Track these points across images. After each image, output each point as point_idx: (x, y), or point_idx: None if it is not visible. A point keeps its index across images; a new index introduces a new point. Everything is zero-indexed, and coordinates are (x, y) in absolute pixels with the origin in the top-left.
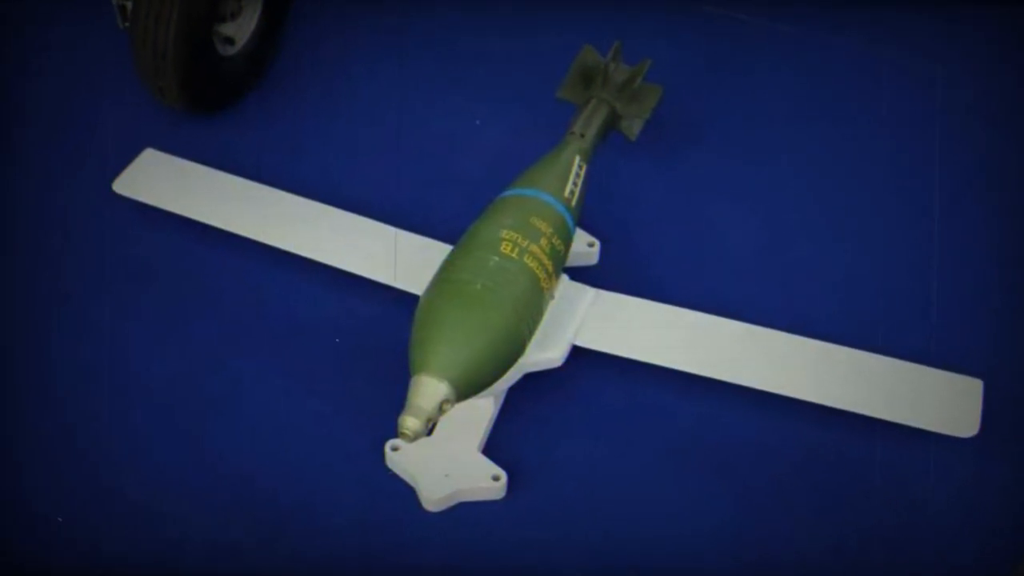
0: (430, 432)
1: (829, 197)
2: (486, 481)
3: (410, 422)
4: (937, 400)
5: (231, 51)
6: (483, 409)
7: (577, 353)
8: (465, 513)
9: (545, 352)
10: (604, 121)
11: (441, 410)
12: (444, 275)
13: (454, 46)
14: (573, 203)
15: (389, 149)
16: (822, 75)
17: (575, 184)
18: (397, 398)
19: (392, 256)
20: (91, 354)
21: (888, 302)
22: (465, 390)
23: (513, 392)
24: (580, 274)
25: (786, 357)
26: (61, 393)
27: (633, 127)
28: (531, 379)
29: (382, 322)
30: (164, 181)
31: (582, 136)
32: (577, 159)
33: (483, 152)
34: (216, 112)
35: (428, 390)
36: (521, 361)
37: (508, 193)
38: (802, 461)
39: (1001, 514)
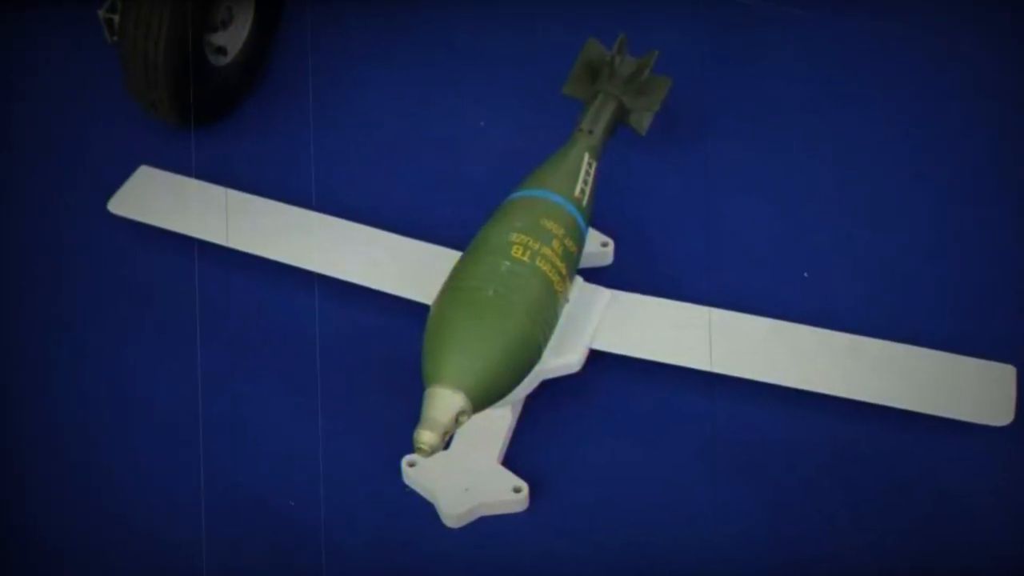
0: (447, 446)
1: (846, 183)
2: (507, 493)
3: (426, 436)
4: (969, 389)
5: (223, 61)
6: (501, 419)
7: (595, 357)
8: (487, 527)
9: (562, 357)
10: (612, 116)
11: (458, 422)
12: (454, 282)
13: (453, 46)
14: (584, 202)
15: (390, 155)
16: (832, 58)
17: (585, 183)
18: (411, 412)
19: (401, 265)
20: (92, 379)
21: (913, 290)
22: (481, 400)
23: (531, 400)
24: (595, 275)
25: (812, 352)
26: (63, 420)
27: (642, 121)
28: (548, 386)
29: (392, 333)
30: (160, 198)
31: (590, 132)
32: (586, 156)
33: (488, 154)
34: (210, 124)
35: (443, 402)
36: (537, 368)
37: (516, 195)
38: (833, 458)
39: None
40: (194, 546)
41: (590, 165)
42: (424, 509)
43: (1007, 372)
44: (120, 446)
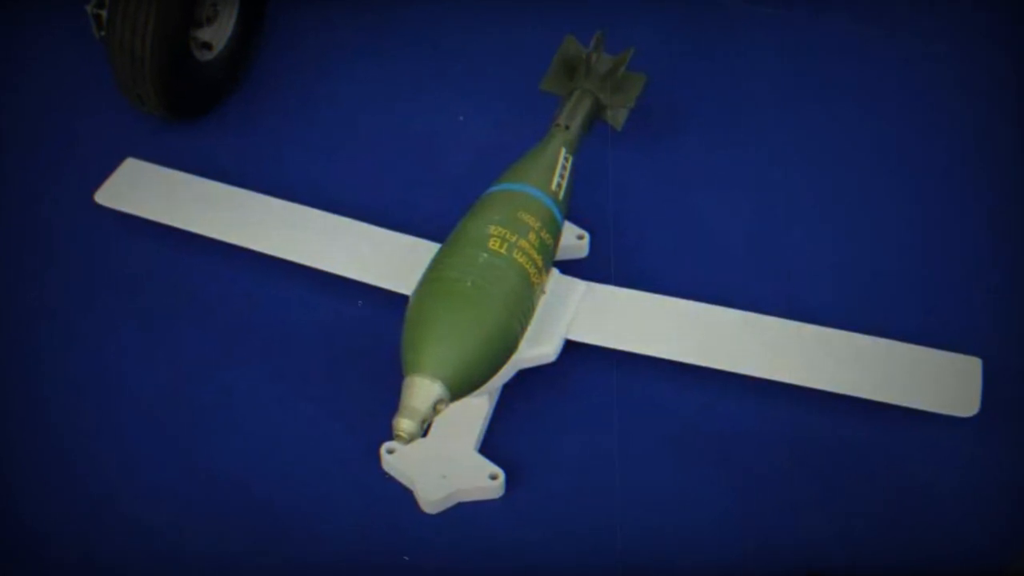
0: (425, 433)
1: (818, 180)
2: (484, 480)
3: (405, 424)
4: (936, 380)
5: (209, 56)
6: (478, 408)
7: (570, 347)
8: (464, 513)
9: (538, 347)
10: (589, 112)
11: (435, 410)
12: (433, 274)
13: (434, 42)
14: (560, 196)
15: (372, 149)
16: (807, 57)
17: (562, 177)
18: (391, 400)
19: (382, 256)
20: (80, 367)
21: (883, 284)
22: (459, 389)
23: (507, 389)
24: (571, 267)
25: (782, 343)
26: (51, 408)
27: (618, 117)
28: (525, 375)
29: (372, 323)
30: (146, 190)
31: (567, 128)
32: (563, 151)
33: (468, 148)
34: (196, 118)
35: (421, 391)
36: (514, 358)
37: (495, 188)
38: (802, 447)
39: (1005, 492)
40: (178, 530)
41: (567, 159)
42: (402, 495)
43: (973, 364)
44: (107, 432)
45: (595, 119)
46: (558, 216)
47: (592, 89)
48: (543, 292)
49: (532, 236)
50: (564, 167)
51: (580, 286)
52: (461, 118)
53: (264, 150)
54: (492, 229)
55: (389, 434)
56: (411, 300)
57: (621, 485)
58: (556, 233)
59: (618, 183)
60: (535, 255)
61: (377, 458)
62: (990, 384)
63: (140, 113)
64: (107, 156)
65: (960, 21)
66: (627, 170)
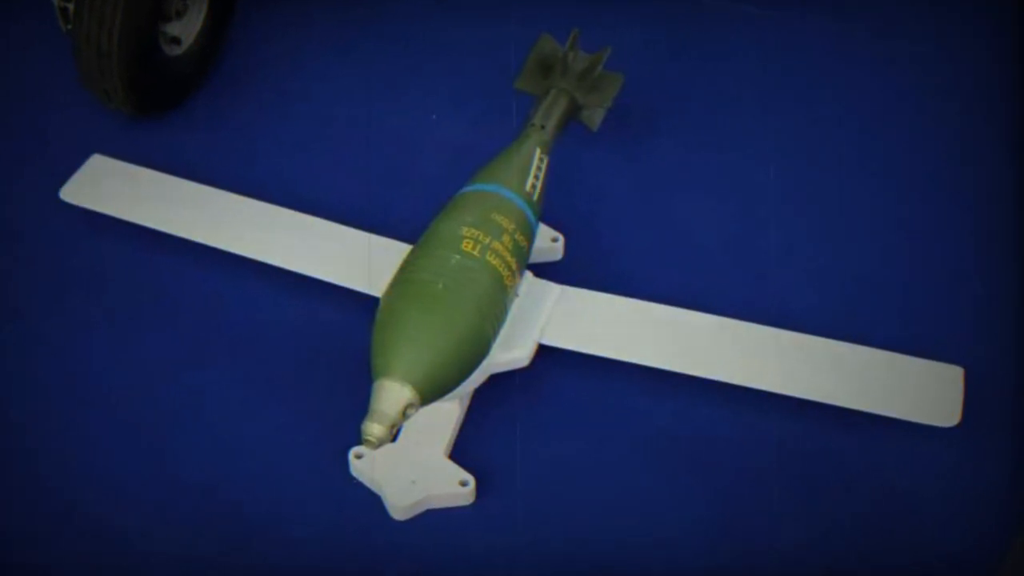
0: (395, 438)
1: (800, 183)
2: (454, 487)
3: (374, 428)
4: (917, 389)
5: (177, 51)
6: (449, 413)
7: (544, 352)
8: (433, 520)
9: (511, 352)
10: (564, 112)
11: (405, 415)
12: (404, 275)
13: (408, 39)
14: (535, 197)
15: (345, 146)
16: (790, 58)
17: (536, 178)
18: (360, 404)
19: (352, 257)
20: (44, 369)
21: (864, 290)
22: (429, 394)
23: (479, 394)
24: (544, 270)
25: (759, 349)
26: (15, 410)
27: (594, 117)
28: (497, 380)
29: (342, 326)
30: (113, 187)
31: (542, 128)
32: (538, 152)
33: (441, 148)
34: (164, 114)
35: (391, 395)
36: (486, 362)
37: (468, 189)
38: (779, 455)
39: (986, 503)
40: (145, 535)
41: (541, 160)
42: (371, 501)
43: (954, 373)
44: (72, 435)
45: (571, 119)
46: (532, 218)
47: (568, 89)
48: (516, 295)
49: (506, 238)
50: (539, 168)
51: (554, 289)
52: (434, 117)
53: (234, 147)
54: (465, 231)
55: (358, 438)
56: (381, 302)
57: (595, 491)
58: (530, 235)
59: (594, 185)
60: (509, 258)
61: (346, 463)
62: (972, 393)
63: (107, 109)
64: (73, 152)
65: (947, 22)
66: (603, 172)
